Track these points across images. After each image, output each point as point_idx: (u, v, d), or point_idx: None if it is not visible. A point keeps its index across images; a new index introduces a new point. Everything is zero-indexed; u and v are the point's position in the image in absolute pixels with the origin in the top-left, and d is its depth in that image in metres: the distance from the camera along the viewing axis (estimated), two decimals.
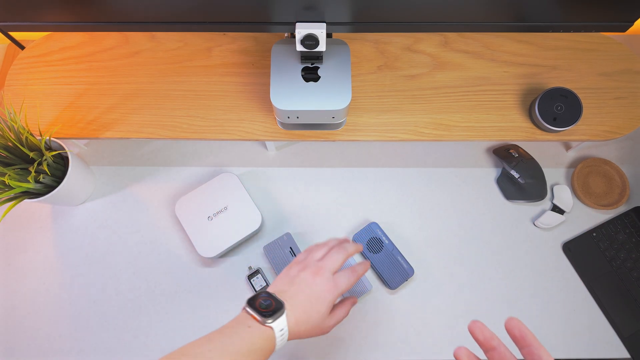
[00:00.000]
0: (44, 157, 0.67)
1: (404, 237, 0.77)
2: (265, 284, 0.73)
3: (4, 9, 0.54)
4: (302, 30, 0.55)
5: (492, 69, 0.76)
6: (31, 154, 0.67)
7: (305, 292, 0.54)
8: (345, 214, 0.78)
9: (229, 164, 0.82)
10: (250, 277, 0.73)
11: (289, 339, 0.51)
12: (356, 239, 0.75)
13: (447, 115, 0.73)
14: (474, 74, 0.75)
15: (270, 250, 0.74)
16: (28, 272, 0.75)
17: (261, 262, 0.75)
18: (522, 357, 0.40)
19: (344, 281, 0.56)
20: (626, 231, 0.76)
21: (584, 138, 0.73)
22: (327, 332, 0.55)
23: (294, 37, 0.56)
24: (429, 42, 0.77)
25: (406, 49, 0.77)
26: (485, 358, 0.42)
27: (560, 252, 0.76)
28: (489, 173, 0.81)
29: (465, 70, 0.76)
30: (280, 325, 0.49)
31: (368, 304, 0.73)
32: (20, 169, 0.67)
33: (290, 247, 0.74)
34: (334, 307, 0.57)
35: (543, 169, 0.79)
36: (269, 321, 0.49)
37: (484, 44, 0.77)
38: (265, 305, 0.50)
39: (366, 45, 0.77)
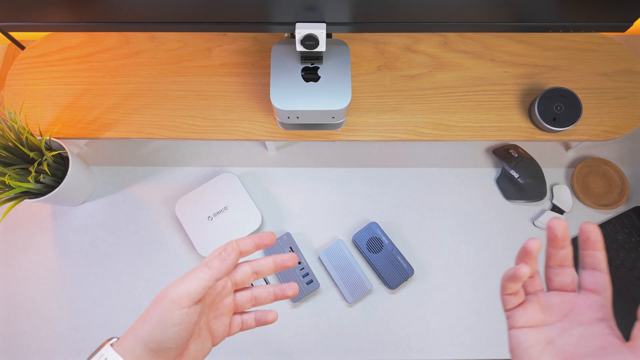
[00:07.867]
0: (44, 157, 0.67)
1: (404, 237, 0.77)
2: (265, 284, 0.73)
3: (4, 9, 0.54)
4: (302, 30, 0.55)
5: (492, 69, 0.76)
6: (31, 154, 0.67)
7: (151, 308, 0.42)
8: (345, 214, 0.78)
9: (229, 164, 0.82)
10: None
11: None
12: (356, 239, 0.75)
13: (447, 116, 0.73)
14: (473, 74, 0.75)
15: (270, 251, 0.74)
16: (28, 272, 0.75)
17: None
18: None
19: (214, 261, 0.43)
20: (625, 231, 0.76)
21: (584, 138, 0.73)
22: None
23: (294, 37, 0.56)
24: (428, 42, 0.77)
25: (406, 49, 0.77)
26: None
27: None
28: (489, 173, 0.81)
29: (465, 70, 0.76)
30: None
31: (368, 304, 0.73)
32: (21, 169, 0.67)
33: (290, 247, 0.74)
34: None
35: (543, 169, 0.79)
36: None
37: (484, 44, 0.77)
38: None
39: (366, 45, 0.77)
